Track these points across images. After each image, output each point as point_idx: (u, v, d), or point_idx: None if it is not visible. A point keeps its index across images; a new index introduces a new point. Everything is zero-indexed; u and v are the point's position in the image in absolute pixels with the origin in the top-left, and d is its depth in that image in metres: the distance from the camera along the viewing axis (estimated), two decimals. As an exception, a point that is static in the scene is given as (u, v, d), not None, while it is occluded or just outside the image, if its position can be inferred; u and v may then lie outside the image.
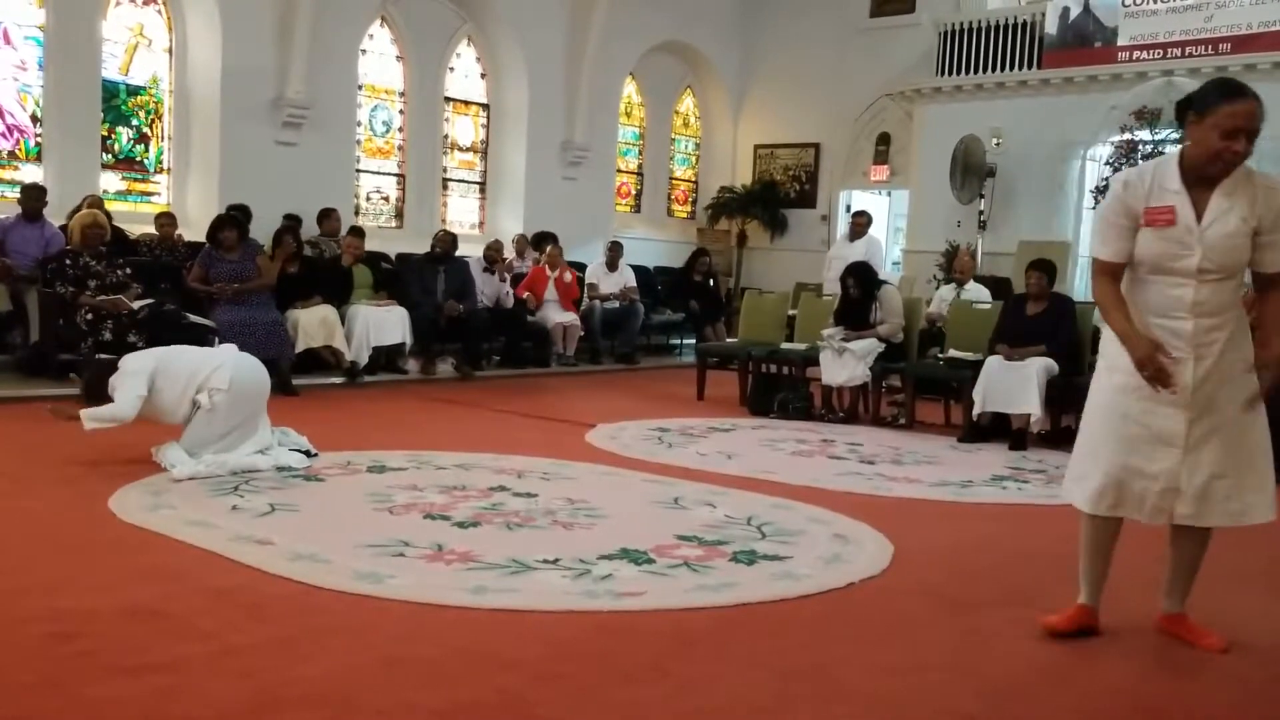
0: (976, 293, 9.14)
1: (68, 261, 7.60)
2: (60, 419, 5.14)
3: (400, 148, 13.02)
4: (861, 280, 8.16)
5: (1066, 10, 12.87)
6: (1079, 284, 12.36)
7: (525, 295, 10.94)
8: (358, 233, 9.92)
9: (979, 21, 13.58)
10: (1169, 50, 12.10)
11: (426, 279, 9.78)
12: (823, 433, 7.53)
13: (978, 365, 7.30)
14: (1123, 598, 3.41)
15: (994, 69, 13.32)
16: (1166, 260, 3.13)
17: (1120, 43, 12.45)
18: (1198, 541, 3.32)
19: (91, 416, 5.03)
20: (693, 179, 16.99)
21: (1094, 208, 12.28)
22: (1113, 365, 3.25)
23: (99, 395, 5.15)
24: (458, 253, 10.24)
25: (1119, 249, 3.19)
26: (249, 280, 8.23)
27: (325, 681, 2.76)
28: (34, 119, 10.04)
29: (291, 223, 9.92)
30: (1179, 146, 3.19)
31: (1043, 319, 7.28)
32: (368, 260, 9.74)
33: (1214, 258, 3.10)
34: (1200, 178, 3.13)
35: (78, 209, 8.51)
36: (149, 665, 2.79)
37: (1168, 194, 3.13)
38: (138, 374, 5.09)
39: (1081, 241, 12.71)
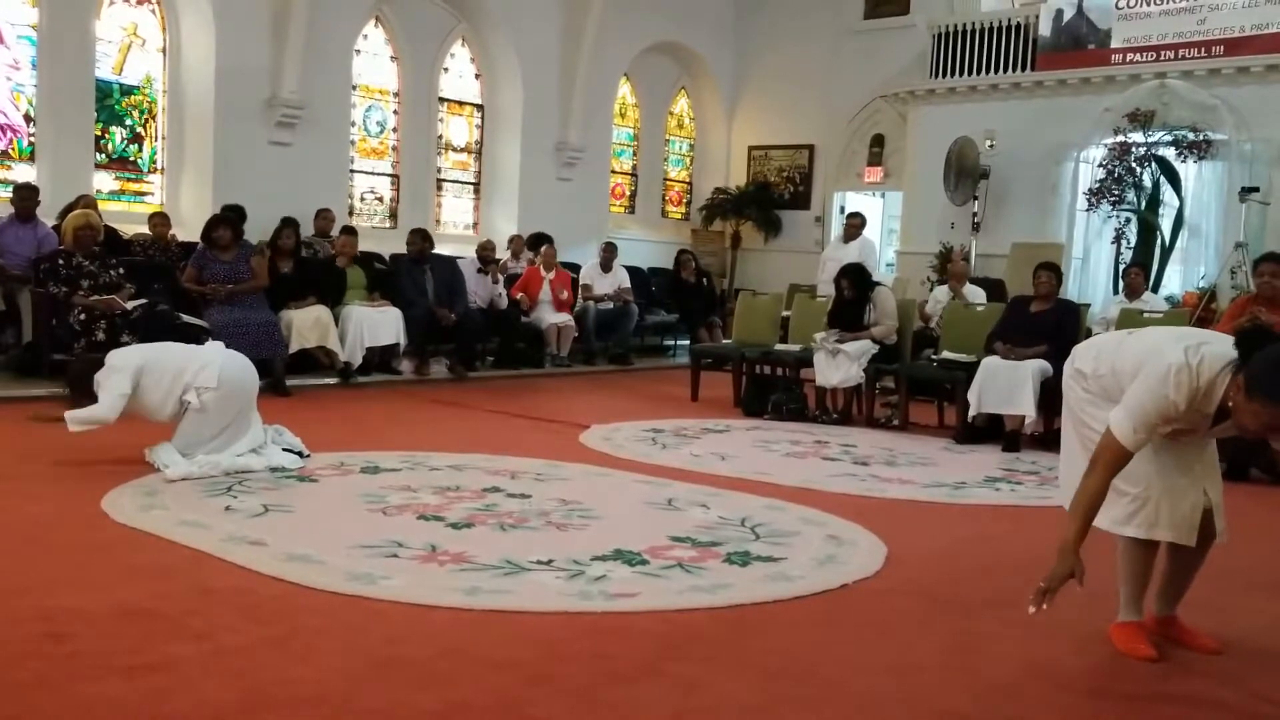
0: (971, 294, 9.16)
1: (60, 261, 7.58)
2: (43, 423, 5.10)
3: (394, 148, 13.00)
4: (856, 282, 8.16)
5: (1060, 12, 12.89)
6: (1073, 286, 12.38)
7: (519, 295, 10.94)
8: (351, 233, 9.90)
9: (973, 23, 13.59)
10: (1162, 53, 12.12)
11: (416, 279, 9.75)
12: (816, 434, 7.54)
13: (972, 367, 7.31)
14: (1113, 600, 3.41)
15: (988, 71, 13.34)
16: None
17: (1114, 45, 12.47)
18: (1202, 553, 3.34)
19: (75, 419, 5.01)
20: (687, 180, 16.99)
21: (1087, 210, 12.32)
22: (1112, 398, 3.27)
23: (84, 390, 5.13)
24: (449, 252, 10.20)
25: (1142, 445, 3.12)
26: (243, 281, 8.21)
27: (318, 682, 2.76)
28: (27, 118, 10.01)
29: (291, 223, 9.90)
30: (1226, 369, 2.99)
31: (1046, 317, 7.29)
32: (362, 261, 9.72)
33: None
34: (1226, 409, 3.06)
35: (71, 208, 8.50)
36: (142, 665, 2.79)
37: (1198, 416, 3.08)
38: (121, 371, 5.06)
39: (1075, 244, 12.75)
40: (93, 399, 5.09)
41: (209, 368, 5.21)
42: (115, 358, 5.18)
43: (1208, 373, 3.01)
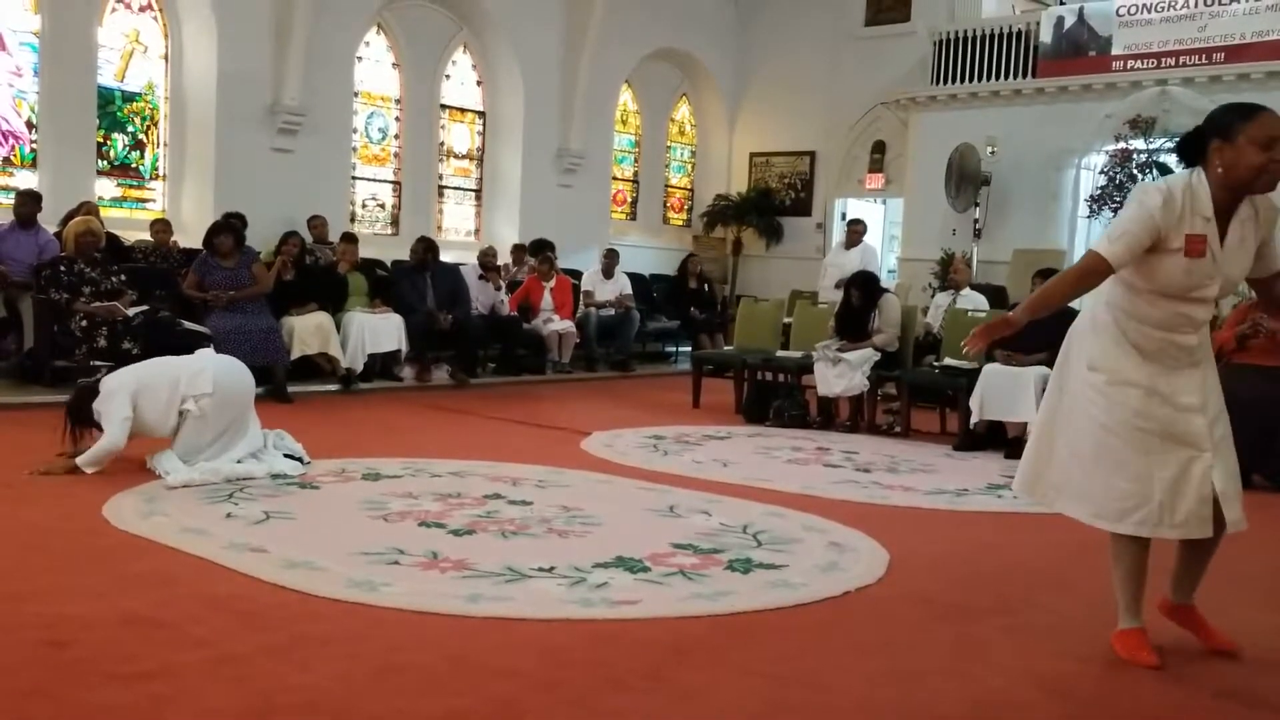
0: (973, 300, 9.15)
1: (62, 268, 7.58)
2: (56, 475, 5.06)
3: (396, 155, 13.02)
4: (865, 290, 8.17)
5: (1061, 19, 12.90)
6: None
7: (517, 308, 10.91)
8: (351, 239, 9.91)
9: (974, 30, 13.60)
10: (1163, 60, 12.14)
11: (417, 286, 9.76)
12: (818, 440, 7.53)
13: (973, 374, 7.30)
14: (1112, 606, 3.40)
15: (989, 78, 13.35)
16: (1190, 290, 3.12)
17: (1115, 52, 12.48)
18: (1215, 540, 3.28)
19: (88, 462, 5.05)
20: (688, 187, 17.00)
21: (1089, 216, 12.32)
22: (1119, 379, 3.20)
23: (84, 419, 5.16)
24: (449, 258, 10.18)
25: (1125, 260, 3.10)
26: (244, 287, 8.22)
27: (319, 689, 2.75)
28: (29, 125, 10.03)
29: (292, 234, 9.92)
30: (1194, 171, 3.09)
31: (1047, 324, 7.26)
32: (363, 267, 9.73)
33: (1229, 284, 3.16)
34: (1223, 206, 3.08)
35: (72, 215, 8.50)
36: (143, 673, 2.78)
37: (1199, 221, 3.06)
38: (119, 393, 5.08)
39: (1076, 250, 12.74)
40: (94, 427, 5.12)
41: (202, 374, 5.23)
42: (110, 382, 5.18)
43: (1179, 183, 3.08)
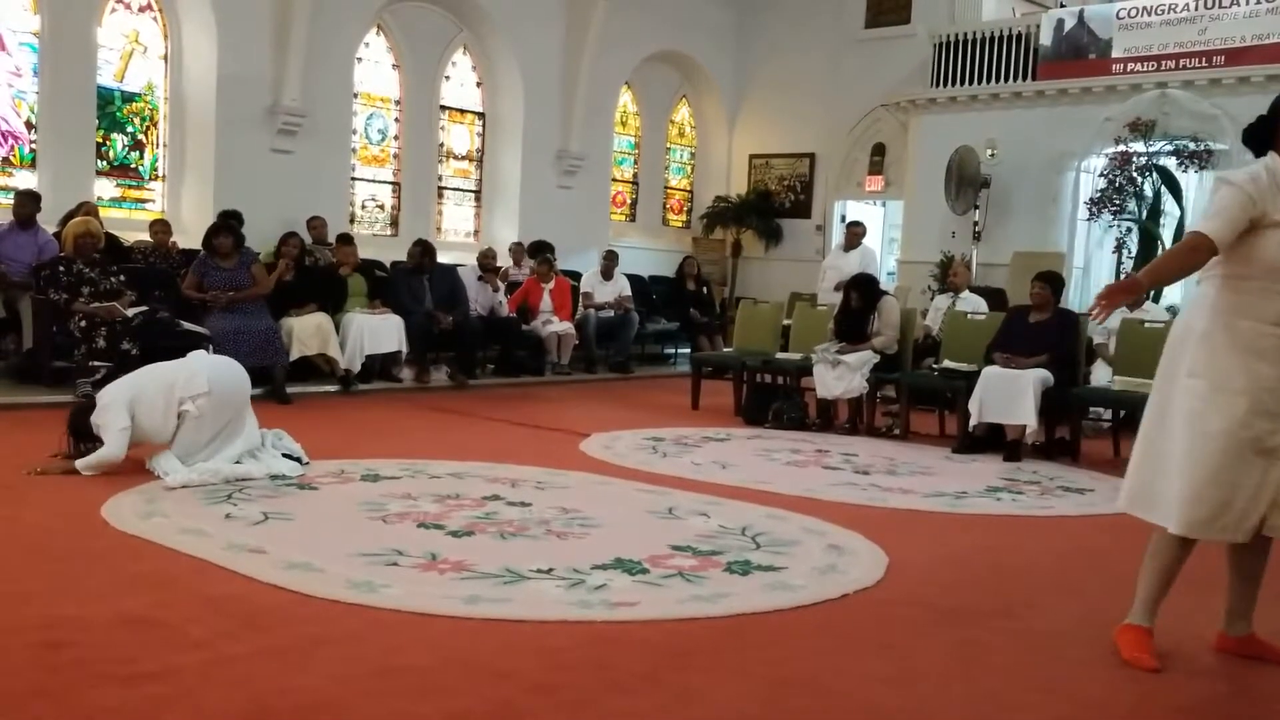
0: (972, 303, 9.16)
1: (61, 268, 7.57)
2: (53, 475, 5.09)
3: (396, 156, 13.02)
4: (865, 293, 8.17)
5: (1061, 22, 12.91)
6: (1074, 296, 12.38)
7: (516, 309, 10.91)
8: (347, 241, 9.90)
9: (974, 33, 13.60)
10: (1163, 62, 12.14)
11: (414, 288, 9.76)
12: (817, 443, 7.52)
13: (972, 376, 7.30)
14: (1115, 610, 3.40)
15: (989, 80, 13.35)
16: None
17: (1114, 54, 12.48)
18: (1262, 553, 3.26)
19: (87, 465, 5.08)
20: (688, 188, 17.00)
21: (1088, 219, 12.33)
22: (1222, 387, 3.10)
23: (84, 434, 5.18)
24: (449, 259, 10.17)
25: (1225, 235, 3.07)
26: (244, 288, 8.21)
27: (318, 691, 2.75)
28: (29, 125, 10.02)
29: (292, 234, 9.93)
30: (1269, 155, 3.16)
31: (1046, 327, 7.29)
32: (363, 268, 9.73)
33: None
34: None
35: (72, 215, 8.50)
36: (142, 674, 2.78)
37: None
38: (115, 405, 5.10)
39: (1076, 253, 12.76)
40: (94, 441, 5.14)
41: (197, 375, 5.25)
42: (106, 395, 5.21)
43: (1257, 165, 3.15)
